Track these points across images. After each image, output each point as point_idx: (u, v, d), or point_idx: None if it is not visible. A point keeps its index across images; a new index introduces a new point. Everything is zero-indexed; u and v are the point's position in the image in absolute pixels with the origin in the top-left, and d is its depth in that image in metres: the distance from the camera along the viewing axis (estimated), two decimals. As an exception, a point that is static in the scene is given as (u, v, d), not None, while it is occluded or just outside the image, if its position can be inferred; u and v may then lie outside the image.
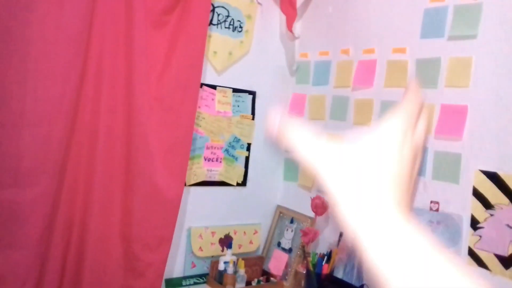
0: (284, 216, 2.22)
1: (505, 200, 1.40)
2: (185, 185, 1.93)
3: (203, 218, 2.04)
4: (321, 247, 2.02)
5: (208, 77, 2.01)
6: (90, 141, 1.64)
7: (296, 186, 2.22)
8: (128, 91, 1.69)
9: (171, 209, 1.80)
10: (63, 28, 1.52)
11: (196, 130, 1.96)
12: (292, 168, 2.25)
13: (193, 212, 2.01)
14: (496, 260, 1.41)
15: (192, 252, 1.99)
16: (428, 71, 1.67)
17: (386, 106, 1.82)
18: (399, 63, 1.78)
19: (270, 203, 2.26)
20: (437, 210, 1.59)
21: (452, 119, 1.59)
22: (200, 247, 2.01)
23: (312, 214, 2.02)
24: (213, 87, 2.03)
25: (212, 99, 2.03)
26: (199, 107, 1.96)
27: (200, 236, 2.01)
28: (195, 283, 1.97)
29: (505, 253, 1.39)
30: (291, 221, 2.17)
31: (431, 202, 1.61)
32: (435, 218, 1.59)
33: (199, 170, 2.00)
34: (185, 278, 1.96)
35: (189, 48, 1.83)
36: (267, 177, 2.25)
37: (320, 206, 1.96)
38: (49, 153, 1.54)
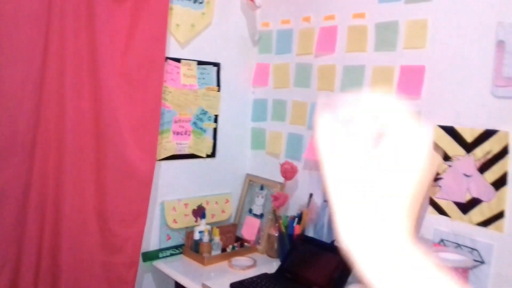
0: (254, 184, 2.28)
1: (462, 151, 1.51)
2: (156, 159, 1.95)
3: (175, 191, 2.07)
4: (291, 210, 2.10)
5: (172, 50, 2.00)
6: (58, 119, 1.62)
7: (264, 154, 2.28)
8: (93, 67, 1.67)
9: (144, 183, 1.82)
10: (22, 7, 1.48)
11: (163, 104, 1.96)
12: (259, 136, 2.30)
13: (165, 186, 2.03)
14: (455, 207, 1.53)
15: (167, 225, 2.02)
16: (387, 34, 1.75)
17: (349, 71, 1.89)
18: (359, 28, 1.85)
19: (240, 172, 2.31)
20: (400, 166, 1.69)
21: (411, 80, 1.67)
22: (174, 220, 2.04)
23: (281, 180, 2.09)
24: (178, 60, 2.02)
25: (177, 73, 2.03)
26: (165, 81, 1.96)
27: (174, 208, 2.04)
28: (171, 255, 2.01)
29: (462, 199, 1.51)
30: (261, 188, 2.24)
31: (394, 159, 1.71)
32: (399, 174, 1.69)
33: (169, 144, 2.02)
34: (161, 250, 1.99)
35: (152, 21, 1.81)
36: (235, 147, 2.29)
37: (290, 171, 2.03)
38: (17, 135, 1.52)
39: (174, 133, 2.03)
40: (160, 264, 1.95)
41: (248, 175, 2.32)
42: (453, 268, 1.29)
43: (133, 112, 1.78)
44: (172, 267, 1.91)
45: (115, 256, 1.77)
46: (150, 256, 1.96)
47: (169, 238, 2.04)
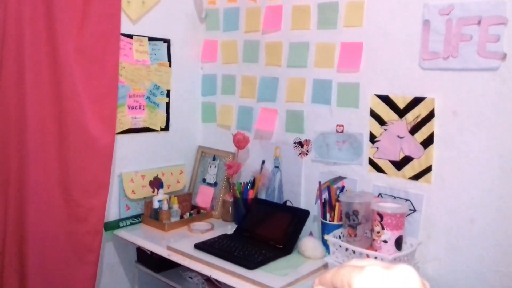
0: (206, 155, 2.41)
1: (395, 116, 1.75)
2: (114, 133, 2.01)
3: (132, 164, 2.14)
4: (243, 177, 2.26)
5: (124, 26, 2.05)
6: (18, 95, 1.64)
7: (215, 127, 2.41)
8: (52, 43, 1.70)
9: (105, 156, 1.88)
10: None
11: (119, 79, 2.02)
12: (209, 110, 2.42)
13: (123, 158, 2.10)
14: (390, 165, 1.77)
15: (126, 196, 2.10)
16: (328, 13, 1.93)
17: (294, 47, 2.06)
18: (303, 8, 2.01)
19: (192, 144, 2.43)
20: (342, 131, 1.91)
21: (351, 55, 1.88)
22: (133, 191, 2.12)
23: (232, 150, 2.24)
24: (130, 36, 2.08)
25: (130, 48, 2.08)
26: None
27: (132, 180, 2.12)
28: (131, 224, 2.10)
29: (397, 158, 1.75)
30: (214, 158, 2.37)
31: (337, 125, 1.92)
32: (341, 138, 1.91)
33: (124, 118, 2.08)
34: (121, 220, 2.08)
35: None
36: (187, 120, 2.39)
37: (242, 141, 2.18)
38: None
39: (129, 107, 2.10)
40: (121, 232, 2.04)
41: (200, 147, 2.44)
42: (392, 214, 1.53)
43: (92, 86, 1.83)
44: (135, 235, 2.01)
45: (80, 225, 1.83)
46: (111, 226, 2.03)
47: (128, 209, 2.13)
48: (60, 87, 1.74)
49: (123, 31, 2.04)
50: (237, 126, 2.31)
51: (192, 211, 2.25)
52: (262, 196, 2.20)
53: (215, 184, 2.33)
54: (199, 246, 1.82)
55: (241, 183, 2.19)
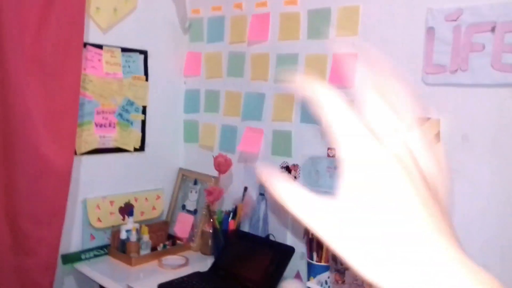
0: (187, 179, 2.17)
1: (394, 140, 1.48)
2: (76, 153, 1.79)
3: (99, 188, 1.91)
4: (227, 205, 2.01)
5: (93, 35, 1.84)
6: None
7: (197, 147, 2.17)
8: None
9: (61, 180, 1.65)
10: None
11: (84, 94, 1.81)
12: (192, 129, 2.19)
13: (88, 182, 1.87)
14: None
15: (90, 224, 1.86)
16: (319, 21, 1.69)
17: (282, 60, 1.82)
18: (292, 15, 1.78)
19: (172, 167, 2.19)
20: (334, 156, 1.65)
21: (343, 68, 1.63)
22: (99, 218, 1.89)
23: (215, 173, 2.00)
24: (99, 46, 1.87)
25: (99, 60, 1.87)
26: (85, 69, 1.80)
27: (98, 206, 1.88)
28: (95, 256, 1.86)
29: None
30: (195, 183, 2.13)
31: (328, 149, 1.66)
32: (333, 164, 1.65)
33: (90, 137, 1.86)
34: (84, 251, 1.83)
35: (67, 3, 1.65)
36: (166, 140, 2.16)
37: (223, 164, 1.94)
38: None
39: (96, 125, 1.87)
40: (82, 266, 1.80)
41: (181, 169, 2.21)
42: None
43: (48, 101, 1.61)
44: (96, 269, 1.76)
45: (29, 259, 1.59)
46: (71, 258, 1.80)
47: (93, 238, 1.89)
48: (9, 102, 1.52)
49: (91, 40, 1.83)
50: (220, 147, 2.07)
51: (167, 242, 2.00)
52: (245, 227, 1.94)
53: (195, 212, 2.08)
54: (164, 287, 1.57)
55: (222, 212, 1.94)
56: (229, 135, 2.03)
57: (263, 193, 1.89)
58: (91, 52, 1.84)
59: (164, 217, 2.15)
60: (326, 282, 1.44)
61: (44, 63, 1.61)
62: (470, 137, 1.33)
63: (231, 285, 1.60)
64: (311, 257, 1.57)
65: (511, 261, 1.25)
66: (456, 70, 1.36)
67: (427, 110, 1.41)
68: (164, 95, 2.13)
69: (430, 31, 1.41)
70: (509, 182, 1.25)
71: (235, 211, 1.90)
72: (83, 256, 1.82)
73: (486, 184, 1.29)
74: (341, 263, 1.36)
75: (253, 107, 1.92)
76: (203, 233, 1.97)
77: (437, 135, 1.38)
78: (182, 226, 2.08)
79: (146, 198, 2.06)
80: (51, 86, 1.62)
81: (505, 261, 1.26)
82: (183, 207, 2.13)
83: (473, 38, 1.33)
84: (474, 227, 1.31)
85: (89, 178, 1.88)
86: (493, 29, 1.29)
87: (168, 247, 1.96)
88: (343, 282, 1.36)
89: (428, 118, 1.40)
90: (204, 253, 1.95)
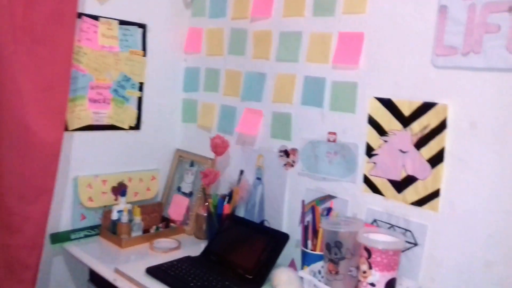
0: (183, 160, 2.10)
1: (398, 125, 1.40)
2: (68, 129, 1.73)
3: (92, 166, 1.85)
4: (223, 188, 1.95)
5: (89, 6, 1.76)
6: None
7: (195, 128, 2.10)
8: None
9: (50, 155, 1.59)
10: None
11: (77, 67, 1.73)
12: (191, 108, 2.11)
13: (80, 159, 1.81)
14: (389, 185, 1.42)
15: (81, 203, 1.81)
16: (325, -3, 1.59)
17: (285, 38, 1.73)
18: (296, -10, 1.68)
19: (168, 147, 2.12)
20: (334, 141, 1.57)
21: (349, 47, 1.54)
22: (90, 197, 1.83)
23: (212, 155, 1.93)
24: (95, 17, 1.79)
25: (95, 32, 1.79)
26: (79, 40, 1.73)
27: (89, 185, 1.82)
28: (86, 236, 1.81)
29: (398, 177, 1.40)
30: (191, 164, 2.06)
31: (329, 133, 1.58)
32: (333, 149, 1.57)
33: (83, 112, 1.79)
34: (74, 231, 1.78)
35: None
36: (163, 119, 2.09)
37: (220, 146, 1.87)
38: None
39: (90, 100, 1.80)
40: (71, 247, 1.74)
41: (178, 150, 2.14)
42: (383, 251, 1.18)
43: (37, 72, 1.54)
44: (85, 250, 1.71)
45: (14, 237, 1.54)
46: (60, 238, 1.75)
47: (84, 218, 1.83)
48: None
49: (87, 11, 1.76)
50: (218, 128, 1.99)
51: (161, 225, 1.94)
52: (241, 212, 1.87)
53: (190, 194, 2.01)
54: (152, 271, 1.51)
55: (218, 195, 1.87)
56: (228, 116, 1.95)
57: (260, 177, 1.81)
58: (86, 23, 1.76)
59: (159, 199, 2.09)
60: (319, 272, 1.37)
61: (34, 32, 1.54)
62: (478, 124, 1.23)
63: (222, 271, 1.54)
64: (305, 245, 1.50)
65: (517, 258, 1.17)
66: (468, 53, 1.26)
67: (434, 94, 1.32)
68: (162, 72, 2.05)
69: (442, 9, 1.31)
70: (520, 174, 1.16)
71: (230, 195, 1.83)
72: (72, 236, 1.77)
73: (493, 175, 1.20)
74: (335, 253, 1.28)
75: (253, 87, 1.84)
76: (197, 216, 1.90)
77: (444, 122, 1.29)
78: (177, 208, 2.02)
79: (140, 179, 1.99)
80: (41, 57, 1.55)
81: (509, 257, 1.18)
82: (179, 189, 2.07)
83: (488, 18, 1.22)
84: (478, 220, 1.23)
85: (81, 155, 1.82)
86: (510, 9, 1.19)
87: (161, 229, 1.91)
88: (337, 272, 1.28)
89: (436, 103, 1.31)
90: (198, 237, 1.89)
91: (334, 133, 1.57)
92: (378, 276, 1.19)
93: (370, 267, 1.19)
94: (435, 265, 1.32)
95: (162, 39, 2.03)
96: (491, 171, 1.21)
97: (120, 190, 1.88)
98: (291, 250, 1.64)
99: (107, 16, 1.82)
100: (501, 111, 1.19)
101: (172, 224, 1.96)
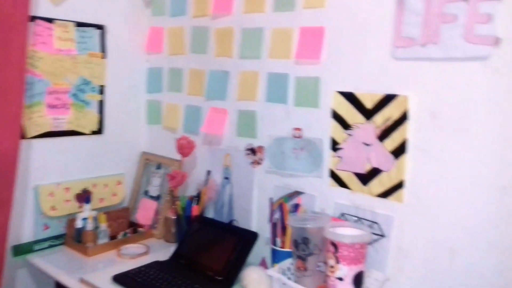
0: (150, 163, 2.06)
1: (362, 118, 1.39)
2: (25, 137, 1.66)
3: (53, 174, 1.79)
4: (191, 190, 1.91)
5: (42, 9, 1.70)
6: None
7: (161, 129, 2.06)
8: None
9: (6, 165, 1.53)
10: None
11: (33, 72, 1.67)
12: (155, 110, 2.07)
13: (40, 167, 1.75)
14: (355, 178, 1.42)
15: (43, 213, 1.75)
16: (284, -8, 1.58)
17: (247, 34, 1.71)
18: (256, -14, 1.66)
19: (134, 150, 2.07)
20: (300, 136, 1.56)
21: (311, 42, 1.53)
22: (53, 206, 1.77)
23: (179, 157, 1.89)
24: (50, 20, 1.73)
25: (50, 35, 1.73)
26: (33, 44, 1.67)
27: (51, 194, 1.76)
28: (50, 246, 1.75)
29: (363, 170, 1.40)
30: (158, 167, 2.02)
31: (294, 129, 1.57)
32: (299, 145, 1.56)
33: (41, 119, 1.73)
34: (37, 242, 1.72)
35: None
36: (127, 122, 2.04)
37: (186, 147, 1.83)
38: None
39: (48, 106, 1.74)
40: (35, 258, 1.68)
41: (143, 153, 2.09)
42: (350, 245, 1.17)
43: (-12, 79, 1.48)
44: (49, 261, 1.65)
45: (-29, 252, 1.48)
46: (23, 250, 1.68)
47: (47, 228, 1.77)
48: None
49: (40, 14, 1.69)
50: (183, 129, 1.96)
51: (128, 230, 1.89)
52: (210, 213, 1.84)
53: (158, 198, 1.97)
54: (118, 279, 1.47)
55: (186, 197, 1.83)
56: (193, 116, 1.91)
57: (228, 176, 1.79)
58: (40, 26, 1.70)
59: (125, 204, 2.04)
60: (289, 269, 1.36)
61: (-16, 38, 1.47)
62: (439, 114, 1.24)
63: (191, 274, 1.51)
64: (274, 243, 1.48)
65: (478, 244, 1.18)
66: (426, 43, 1.26)
67: (395, 86, 1.32)
68: (124, 73, 2.00)
69: (400, 1, 1.31)
70: (479, 161, 1.17)
71: (199, 196, 1.80)
72: (36, 247, 1.71)
73: (454, 164, 1.21)
74: (303, 249, 1.27)
75: (217, 86, 1.81)
76: (166, 219, 1.86)
77: (405, 113, 1.29)
78: (145, 212, 1.98)
79: (105, 184, 1.94)
80: (-8, 63, 1.49)
81: (473, 245, 1.19)
82: (146, 192, 2.02)
83: (445, 8, 1.23)
84: (442, 209, 1.24)
85: (41, 163, 1.75)
86: (465, -2, 1.20)
87: (128, 235, 1.86)
88: (305, 269, 1.27)
89: (397, 95, 1.31)
90: (167, 240, 1.86)
91: (300, 129, 1.56)
92: (345, 270, 1.18)
93: (338, 262, 1.19)
94: (402, 255, 1.32)
95: (122, 40, 1.98)
96: (453, 160, 1.22)
97: (84, 197, 1.83)
98: (262, 249, 1.63)
99: (62, 18, 1.76)
100: (461, 101, 1.20)
101: (140, 229, 1.91)
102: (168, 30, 2.01)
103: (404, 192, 1.31)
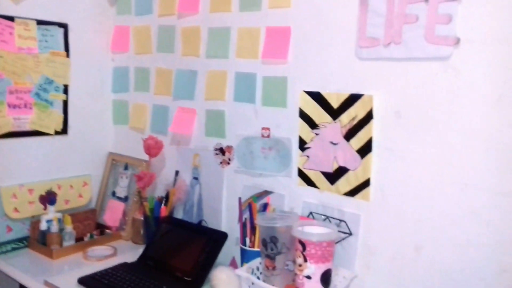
0: (117, 163, 2.03)
1: (328, 118, 1.41)
2: (-15, 138, 1.61)
3: (15, 175, 1.74)
4: (160, 190, 1.89)
5: (2, 6, 1.65)
6: None
7: (128, 129, 2.03)
8: None
9: (-35, 167, 1.48)
10: None
11: (-8, 70, 1.62)
12: (121, 109, 2.03)
13: (1, 169, 1.70)
14: (323, 177, 1.44)
15: (6, 215, 1.69)
16: (251, -9, 1.58)
17: (214, 34, 1.70)
18: (223, -15, 1.66)
19: (100, 151, 2.04)
20: (268, 136, 1.56)
21: (277, 42, 1.53)
22: (16, 208, 1.72)
23: (147, 157, 1.87)
24: (10, 18, 1.67)
25: (11, 33, 1.68)
26: (-7, 42, 1.61)
27: (14, 195, 1.71)
28: (13, 249, 1.70)
29: (330, 169, 1.41)
30: (125, 168, 1.99)
31: (263, 128, 1.57)
32: (267, 144, 1.56)
33: (2, 119, 1.68)
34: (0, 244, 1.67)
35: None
36: (93, 122, 2.00)
37: (154, 147, 1.81)
38: None
39: (9, 106, 1.69)
40: (-3, 261, 1.63)
41: (110, 153, 2.06)
42: (317, 243, 1.19)
43: None
44: (12, 264, 1.61)
45: None
46: (-16, 253, 1.63)
47: (10, 230, 1.72)
48: None
49: (0, 12, 1.64)
50: (151, 129, 1.94)
51: (95, 232, 1.86)
52: (179, 213, 1.83)
53: (126, 199, 1.94)
54: (84, 281, 1.44)
55: (154, 198, 1.81)
56: (160, 115, 1.89)
57: (197, 176, 1.78)
58: (0, 25, 1.65)
59: (92, 205, 2.00)
60: (257, 268, 1.36)
61: None
62: (402, 113, 1.27)
63: (159, 276, 1.49)
64: (244, 243, 1.49)
65: (442, 241, 1.21)
66: (389, 43, 1.29)
67: (360, 86, 1.34)
68: (88, 73, 1.96)
69: (363, 2, 1.33)
70: (442, 159, 1.20)
71: (167, 197, 1.78)
72: (-2, 250, 1.66)
73: (418, 162, 1.24)
74: (271, 249, 1.28)
75: (185, 85, 1.80)
76: (134, 221, 1.84)
77: (370, 112, 1.32)
78: (112, 214, 1.95)
79: (71, 185, 1.90)
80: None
81: (437, 241, 1.22)
82: (113, 193, 1.99)
83: (406, 9, 1.26)
84: (407, 207, 1.27)
85: (3, 164, 1.70)
86: None
87: (95, 237, 1.83)
88: (274, 268, 1.28)
89: (362, 95, 1.33)
90: (135, 242, 1.83)
91: (268, 129, 1.56)
92: (313, 268, 1.19)
93: (305, 260, 1.20)
94: (370, 253, 1.35)
95: (86, 38, 1.94)
96: (416, 158, 1.25)
97: (48, 198, 1.78)
98: (232, 248, 1.63)
99: (23, 17, 1.71)
100: (423, 100, 1.23)
101: (107, 231, 1.88)
102: (133, 29, 1.98)
103: (370, 190, 1.33)
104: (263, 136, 1.58)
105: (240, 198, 1.58)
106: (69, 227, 1.73)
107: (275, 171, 1.55)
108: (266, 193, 1.57)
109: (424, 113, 1.23)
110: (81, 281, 1.44)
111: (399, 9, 1.27)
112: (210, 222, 1.73)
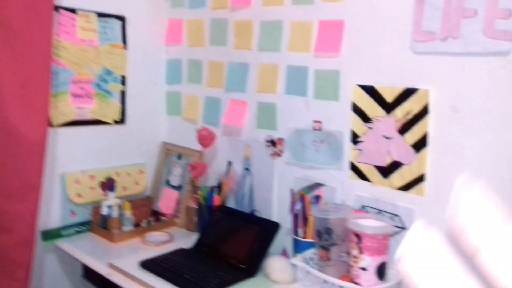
0: (171, 153, 2.10)
1: (382, 112, 1.42)
2: (52, 125, 1.71)
3: (78, 162, 1.84)
4: (212, 180, 1.96)
5: (66, -1, 1.74)
6: None
7: (181, 120, 2.10)
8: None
9: (36, 152, 1.58)
10: None
11: (57, 62, 1.72)
12: (175, 101, 2.11)
13: (65, 155, 1.80)
14: (375, 171, 1.45)
15: (70, 200, 1.81)
16: (304, -15, 1.60)
17: (266, 27, 1.73)
18: (276, -21, 1.68)
19: (154, 140, 2.12)
20: (320, 129, 1.59)
21: (330, 36, 1.55)
22: (79, 194, 1.83)
23: (199, 148, 1.93)
24: (73, 10, 1.76)
25: (73, 25, 1.77)
26: (58, 34, 1.71)
27: (77, 181, 1.82)
28: (77, 232, 1.81)
29: (383, 163, 1.43)
30: (179, 157, 2.06)
31: (314, 121, 1.60)
32: (319, 137, 1.59)
33: (67, 108, 1.78)
34: (64, 228, 1.78)
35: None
36: (148, 112, 2.08)
37: (207, 138, 1.87)
38: None
39: (72, 95, 1.79)
40: (63, 243, 1.75)
41: (164, 143, 2.14)
42: (372, 235, 1.22)
43: (16, 68, 1.52)
44: (77, 246, 1.72)
45: (4, 236, 1.54)
46: (51, 235, 1.75)
47: (74, 215, 1.83)
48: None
49: (64, 4, 1.73)
50: (203, 120, 2.00)
51: (151, 219, 1.95)
52: (231, 203, 1.89)
53: (179, 187, 2.02)
54: (146, 265, 1.53)
55: (207, 187, 1.88)
56: (212, 107, 1.95)
57: (248, 167, 1.83)
58: (64, 16, 1.74)
59: (148, 193, 2.09)
60: (312, 259, 1.40)
61: (11, 27, 1.51)
62: (459, 108, 1.26)
63: (215, 262, 1.56)
64: (296, 233, 1.53)
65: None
66: (446, 38, 1.28)
67: (414, 80, 1.34)
68: (144, 64, 2.03)
69: (421, -5, 1.32)
70: (498, 156, 1.20)
71: (219, 187, 1.85)
72: (63, 233, 1.78)
73: (474, 157, 1.24)
74: (326, 240, 1.32)
75: (237, 78, 1.84)
76: (187, 209, 1.92)
77: (426, 107, 1.32)
78: (167, 201, 2.03)
79: (128, 173, 1.99)
80: (19, 52, 1.53)
81: (493, 236, 1.22)
82: (167, 182, 2.07)
83: (465, 3, 1.24)
84: (463, 202, 1.27)
85: (67, 151, 1.81)
86: (487, -7, 1.21)
87: (152, 223, 1.92)
88: (328, 258, 1.32)
89: (417, 89, 1.34)
90: (189, 229, 1.91)
91: (319, 122, 1.59)
92: (369, 260, 1.22)
93: (361, 252, 1.23)
94: (422, 246, 1.36)
95: (142, 31, 2.01)
96: (473, 154, 1.24)
97: (108, 185, 1.88)
98: (282, 239, 1.67)
99: (84, 9, 1.79)
100: (481, 95, 1.23)
101: (162, 218, 1.97)
102: (187, 22, 2.03)
103: (424, 185, 1.34)
104: (314, 129, 1.60)
105: (292, 190, 1.62)
106: (128, 213, 1.83)
107: (326, 164, 1.58)
108: (318, 185, 1.60)
109: (482, 109, 1.23)
110: (143, 264, 1.53)
111: (457, 3, 1.26)
112: (262, 212, 1.78)
